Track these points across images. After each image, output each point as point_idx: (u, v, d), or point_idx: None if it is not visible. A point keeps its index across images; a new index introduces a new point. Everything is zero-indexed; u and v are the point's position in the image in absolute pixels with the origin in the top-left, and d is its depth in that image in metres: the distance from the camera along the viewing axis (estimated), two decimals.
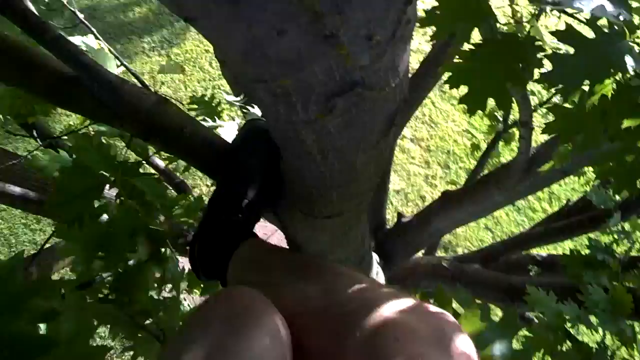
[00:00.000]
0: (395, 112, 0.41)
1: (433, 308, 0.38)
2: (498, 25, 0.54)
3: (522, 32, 0.78)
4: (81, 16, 0.96)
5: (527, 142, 1.03)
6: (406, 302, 0.37)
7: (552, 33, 0.43)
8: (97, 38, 0.88)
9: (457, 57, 0.59)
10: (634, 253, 1.75)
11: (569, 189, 3.28)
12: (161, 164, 1.43)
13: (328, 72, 0.31)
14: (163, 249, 0.79)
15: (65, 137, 0.93)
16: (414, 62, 3.40)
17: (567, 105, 0.56)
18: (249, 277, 0.53)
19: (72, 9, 0.95)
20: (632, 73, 0.42)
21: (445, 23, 0.53)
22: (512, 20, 0.95)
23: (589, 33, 0.44)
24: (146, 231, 0.74)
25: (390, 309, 0.36)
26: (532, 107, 0.97)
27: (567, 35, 0.42)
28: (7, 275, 0.42)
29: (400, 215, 1.82)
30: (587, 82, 0.43)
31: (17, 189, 1.16)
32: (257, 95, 0.34)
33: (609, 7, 0.42)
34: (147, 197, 0.68)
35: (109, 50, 0.82)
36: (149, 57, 3.24)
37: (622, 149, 0.45)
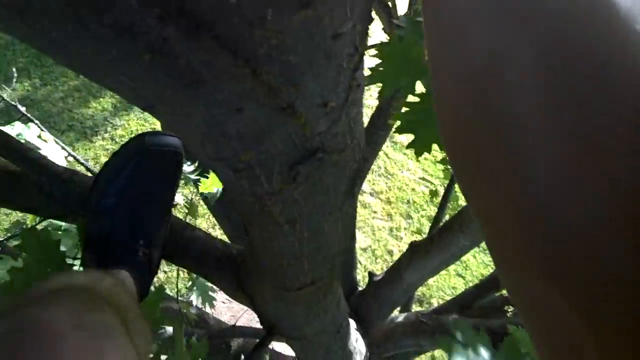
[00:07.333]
0: (357, 171, 0.41)
1: None
2: None
3: None
4: (22, 109, 0.94)
5: None
6: None
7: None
8: (40, 129, 0.86)
9: (404, 107, 0.64)
10: None
11: None
12: None
13: (288, 142, 0.31)
14: None
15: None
16: (364, 117, 3.54)
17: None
18: None
19: (11, 101, 0.93)
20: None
21: (390, 79, 0.58)
22: None
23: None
24: None
25: None
26: None
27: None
28: None
29: (371, 274, 1.79)
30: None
31: None
32: (219, 172, 0.33)
33: None
34: None
35: (55, 141, 0.80)
36: (91, 142, 3.16)
37: None
